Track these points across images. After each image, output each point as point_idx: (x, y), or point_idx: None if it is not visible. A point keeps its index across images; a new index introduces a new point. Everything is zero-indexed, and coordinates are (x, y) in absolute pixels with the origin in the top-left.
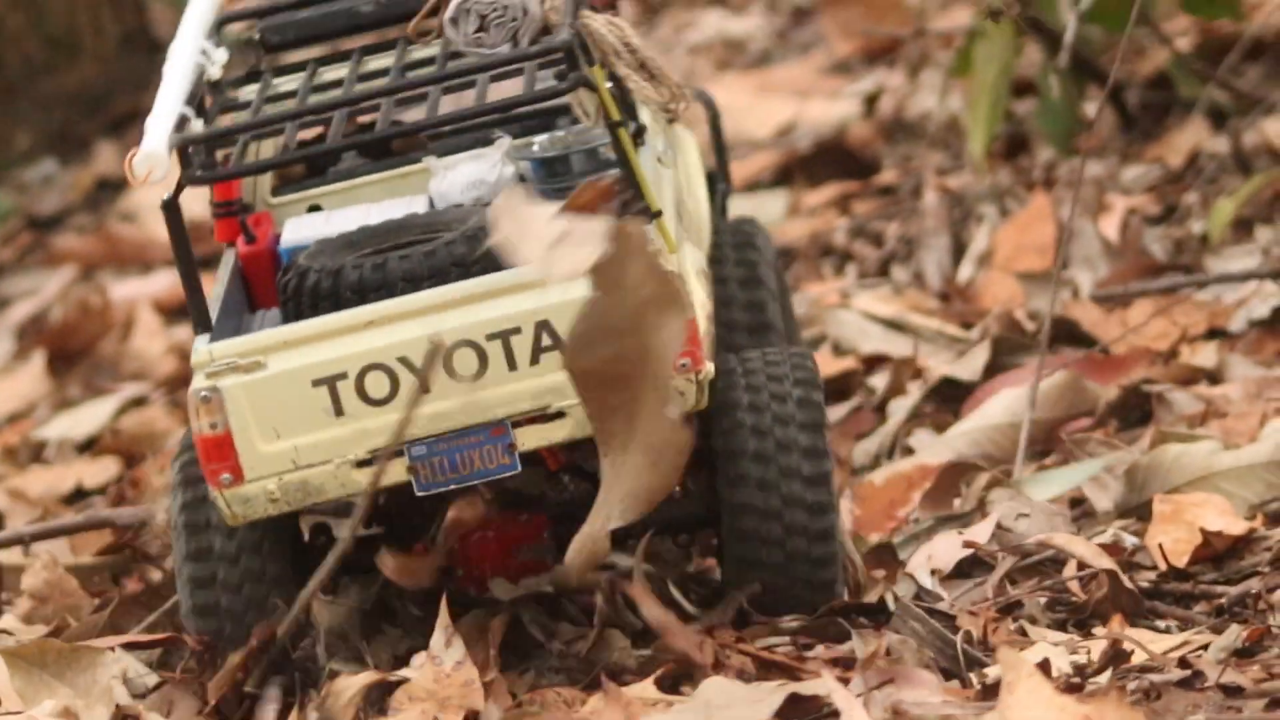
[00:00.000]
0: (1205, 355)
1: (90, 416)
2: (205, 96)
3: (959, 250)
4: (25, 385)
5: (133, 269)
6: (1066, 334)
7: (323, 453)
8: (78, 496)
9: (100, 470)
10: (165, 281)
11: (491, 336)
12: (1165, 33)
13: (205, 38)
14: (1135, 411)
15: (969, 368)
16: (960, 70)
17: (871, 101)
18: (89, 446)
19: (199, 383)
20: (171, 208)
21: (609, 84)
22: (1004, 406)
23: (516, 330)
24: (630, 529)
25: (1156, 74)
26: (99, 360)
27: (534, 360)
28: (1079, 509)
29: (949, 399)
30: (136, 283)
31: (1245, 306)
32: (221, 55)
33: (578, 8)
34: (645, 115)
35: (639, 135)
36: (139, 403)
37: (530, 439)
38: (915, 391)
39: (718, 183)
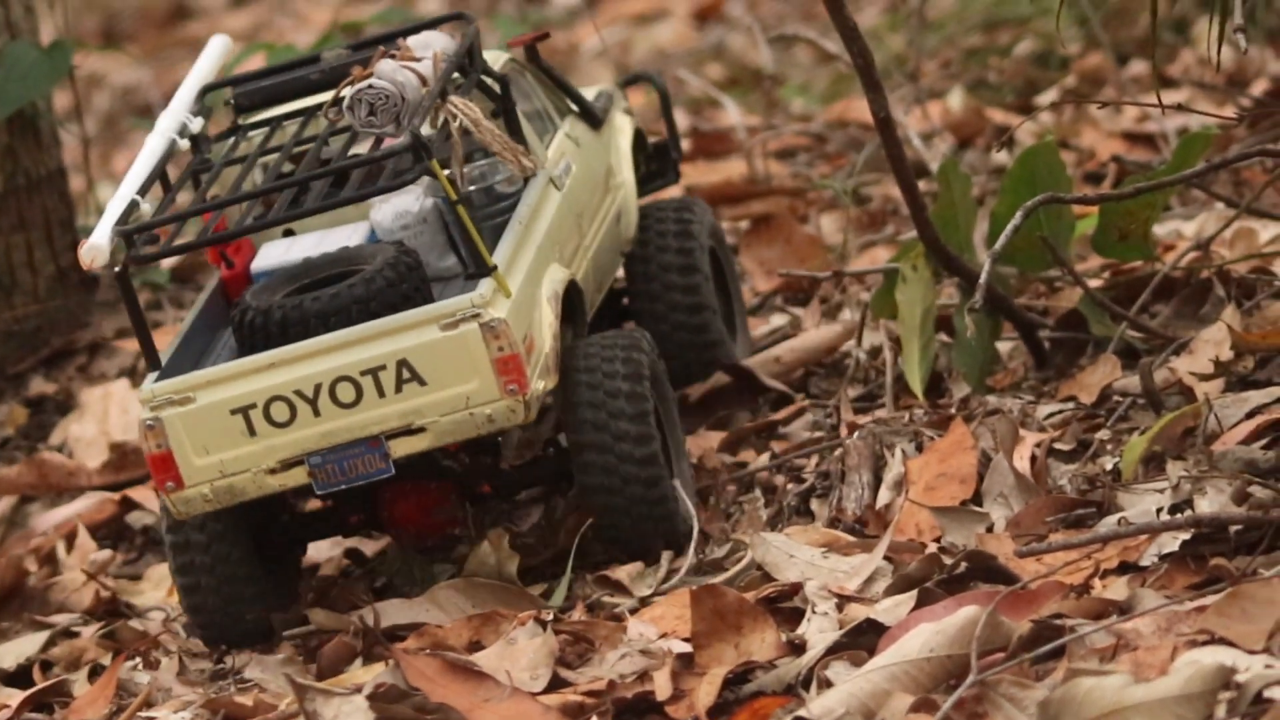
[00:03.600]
0: (1117, 589)
1: (19, 649)
2: (168, 167)
3: (879, 485)
4: None
5: (63, 499)
6: (982, 568)
7: (242, 464)
8: None
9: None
10: (94, 508)
11: (364, 372)
12: (1078, 273)
13: (188, 109)
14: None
15: (891, 613)
16: (880, 311)
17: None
18: (20, 678)
19: (146, 413)
20: (123, 279)
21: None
22: (921, 642)
23: (383, 367)
24: (504, 487)
25: (1070, 313)
26: (29, 592)
27: (398, 389)
28: None
29: (863, 630)
30: (67, 509)
31: (1156, 541)
32: (198, 124)
33: (444, 93)
34: (561, 139)
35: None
36: (70, 634)
37: (400, 449)
38: (830, 625)
39: (670, 151)
